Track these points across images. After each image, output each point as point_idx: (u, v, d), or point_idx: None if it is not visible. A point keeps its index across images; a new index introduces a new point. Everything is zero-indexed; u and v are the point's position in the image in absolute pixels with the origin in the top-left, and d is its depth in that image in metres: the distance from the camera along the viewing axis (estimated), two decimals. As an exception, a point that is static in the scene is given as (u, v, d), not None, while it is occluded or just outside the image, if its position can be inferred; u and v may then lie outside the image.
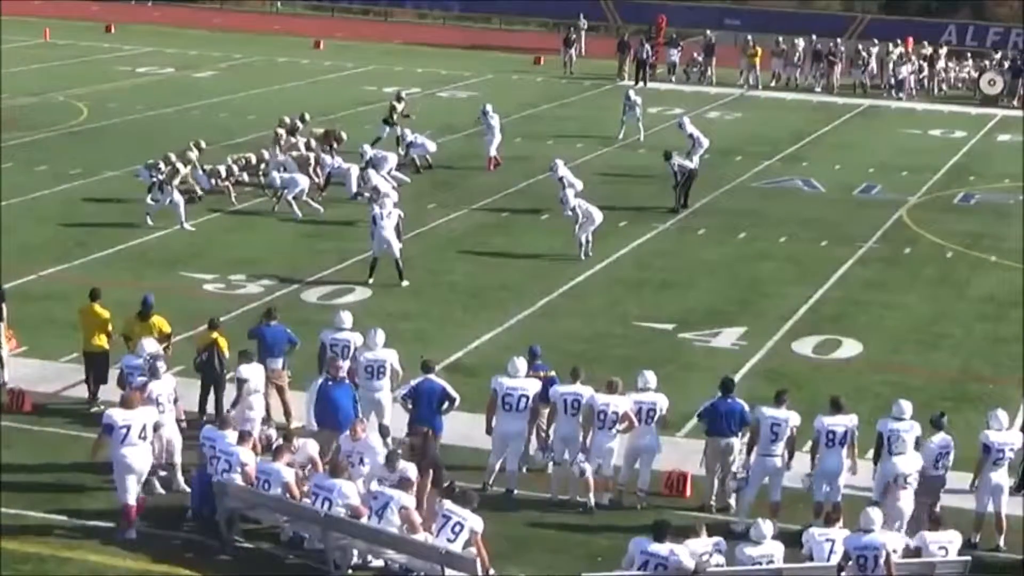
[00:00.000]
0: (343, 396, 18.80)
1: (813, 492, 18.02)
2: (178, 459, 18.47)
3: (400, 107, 39.78)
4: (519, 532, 17.66)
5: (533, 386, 18.84)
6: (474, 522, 16.08)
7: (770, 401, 18.58)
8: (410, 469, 17.08)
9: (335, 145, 35.81)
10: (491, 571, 16.27)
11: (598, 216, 30.13)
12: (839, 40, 56.97)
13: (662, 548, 15.56)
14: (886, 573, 15.59)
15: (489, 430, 18.82)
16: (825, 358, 24.76)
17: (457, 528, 16.03)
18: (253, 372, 19.52)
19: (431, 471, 17.50)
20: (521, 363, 18.97)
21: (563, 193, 31.12)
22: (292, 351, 20.73)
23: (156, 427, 17.63)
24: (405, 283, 27.43)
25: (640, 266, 29.83)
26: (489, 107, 39.24)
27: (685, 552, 15.56)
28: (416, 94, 48.41)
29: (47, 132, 40.54)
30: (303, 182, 32.66)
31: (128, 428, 17.16)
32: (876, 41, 58.00)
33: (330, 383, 18.90)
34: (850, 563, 15.65)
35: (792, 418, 18.13)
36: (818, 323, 26.60)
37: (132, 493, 17.17)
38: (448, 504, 16.23)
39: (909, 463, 17.45)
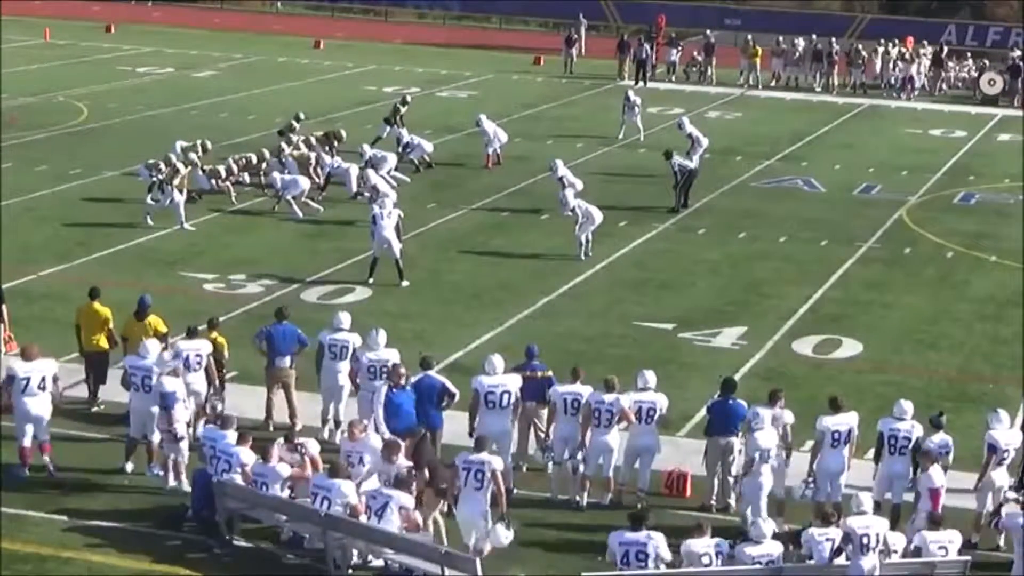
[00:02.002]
0: (407, 402, 18.65)
1: (816, 492, 18.00)
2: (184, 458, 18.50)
3: (403, 110, 39.76)
4: (519, 532, 17.64)
5: (514, 382, 18.81)
6: (496, 463, 16.78)
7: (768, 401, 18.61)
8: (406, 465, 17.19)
9: (335, 145, 35.88)
10: (508, 523, 16.69)
11: (598, 216, 30.13)
12: (834, 40, 56.96)
13: (639, 535, 15.68)
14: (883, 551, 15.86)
15: (472, 430, 18.72)
16: (825, 358, 24.75)
17: (480, 475, 16.58)
18: (190, 347, 19.66)
19: (428, 472, 17.45)
20: (498, 360, 18.96)
21: (562, 193, 31.14)
22: (301, 351, 20.73)
23: (55, 379, 18.76)
24: (405, 283, 27.43)
25: (640, 266, 29.82)
26: (483, 116, 39.29)
27: (662, 538, 15.70)
28: (416, 94, 48.36)
29: (47, 132, 40.55)
30: (304, 183, 32.67)
31: (28, 379, 18.46)
32: (882, 41, 58.02)
33: (393, 390, 18.72)
34: (850, 545, 15.70)
35: (786, 417, 18.13)
36: (818, 323, 26.60)
37: (28, 437, 18.53)
38: (466, 455, 16.73)
39: (768, 439, 17.72)
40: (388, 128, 38.94)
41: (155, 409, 18.71)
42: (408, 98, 41.24)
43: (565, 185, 31.78)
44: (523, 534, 17.58)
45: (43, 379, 18.61)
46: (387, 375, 19.27)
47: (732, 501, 18.55)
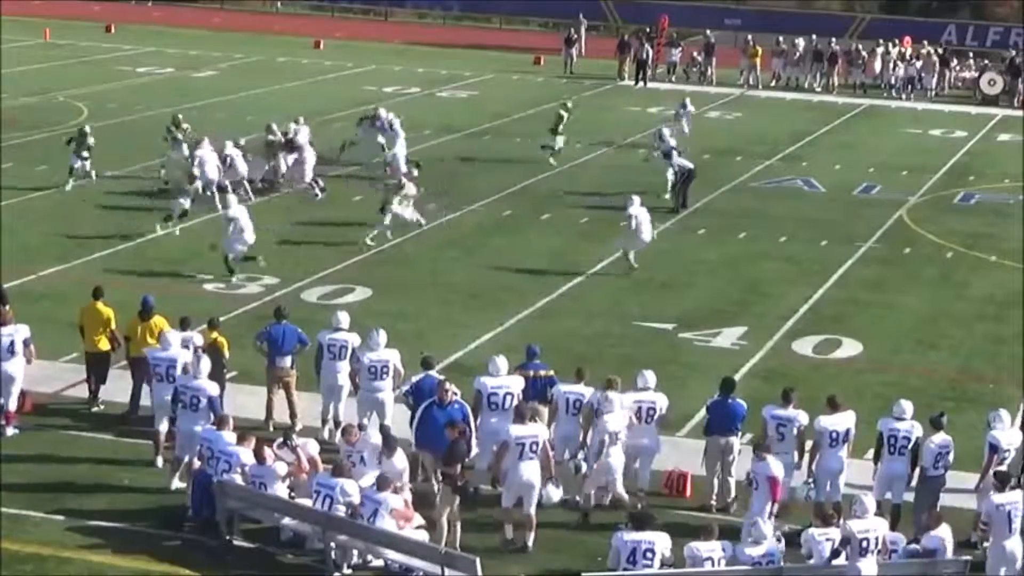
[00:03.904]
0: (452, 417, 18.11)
1: (816, 492, 18.00)
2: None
3: (567, 118, 39.26)
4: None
5: (516, 383, 18.82)
6: (543, 432, 17.50)
7: (773, 400, 18.61)
8: (400, 460, 17.29)
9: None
10: (557, 483, 17.77)
11: (647, 236, 29.11)
12: (833, 40, 57.01)
13: (646, 535, 15.69)
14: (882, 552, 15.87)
15: (475, 429, 18.73)
16: (825, 358, 24.76)
17: (534, 446, 17.22)
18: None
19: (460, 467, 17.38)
20: (502, 361, 18.95)
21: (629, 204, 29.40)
22: (301, 351, 20.75)
23: (26, 342, 19.94)
24: (263, 262, 27.77)
25: (640, 266, 29.78)
26: (389, 114, 37.60)
27: (667, 538, 15.75)
28: (416, 94, 48.36)
29: (47, 132, 40.52)
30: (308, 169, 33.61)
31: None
32: (882, 41, 58.06)
33: (436, 406, 18.24)
34: (848, 547, 15.70)
35: (799, 417, 18.11)
36: (818, 323, 26.61)
37: (13, 398, 19.97)
38: (516, 430, 17.17)
39: (617, 421, 18.04)
40: (556, 138, 38.41)
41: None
42: (570, 104, 40.76)
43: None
44: (523, 534, 17.60)
45: (12, 343, 19.77)
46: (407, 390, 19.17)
47: (732, 500, 18.55)
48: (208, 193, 31.70)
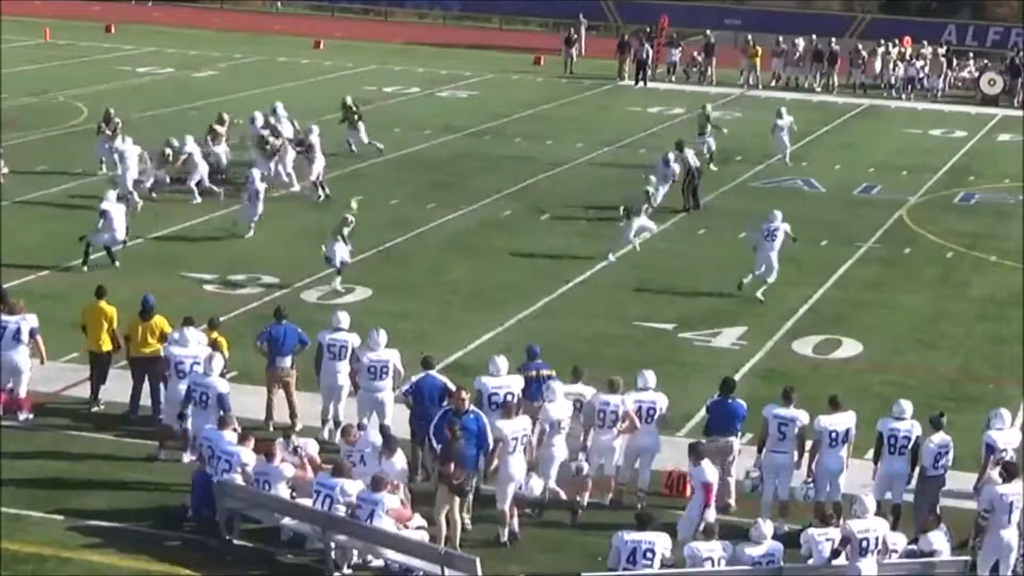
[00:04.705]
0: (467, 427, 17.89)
1: (815, 492, 18.00)
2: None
3: (713, 125, 39.00)
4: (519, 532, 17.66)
5: (516, 383, 18.81)
6: (528, 425, 17.71)
7: (773, 400, 18.61)
8: (400, 460, 17.36)
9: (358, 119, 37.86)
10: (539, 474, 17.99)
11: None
12: (833, 40, 57.02)
13: (647, 535, 15.68)
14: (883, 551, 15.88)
15: None
16: (825, 358, 24.76)
17: (525, 439, 17.52)
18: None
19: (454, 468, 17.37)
20: (502, 361, 18.94)
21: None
22: (301, 350, 20.75)
23: (32, 333, 20.25)
24: (117, 263, 27.86)
25: (640, 266, 29.80)
26: (279, 105, 37.22)
27: (667, 538, 15.77)
28: (416, 94, 48.23)
29: (47, 132, 40.52)
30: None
31: (6, 330, 20.08)
32: (882, 41, 58.07)
33: (452, 415, 17.93)
34: (848, 547, 15.70)
35: (800, 416, 18.11)
36: (818, 323, 26.61)
37: (22, 385, 20.38)
38: (504, 425, 17.43)
39: (560, 410, 18.17)
40: (708, 140, 38.09)
41: None
42: (709, 107, 40.31)
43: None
44: (523, 534, 17.61)
45: (19, 330, 20.15)
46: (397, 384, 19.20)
47: (731, 501, 18.55)
48: (130, 189, 31.93)
